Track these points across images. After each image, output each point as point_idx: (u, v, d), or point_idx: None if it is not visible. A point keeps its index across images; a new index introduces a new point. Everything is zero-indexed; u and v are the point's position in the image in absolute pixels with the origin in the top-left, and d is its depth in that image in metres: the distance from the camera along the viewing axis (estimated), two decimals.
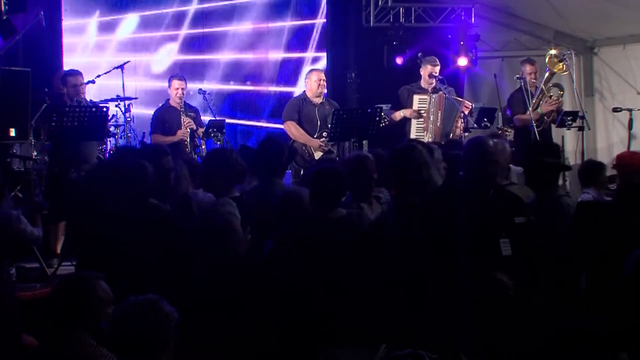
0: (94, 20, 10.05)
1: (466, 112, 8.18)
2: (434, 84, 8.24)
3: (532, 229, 4.26)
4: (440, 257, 4.12)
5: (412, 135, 8.07)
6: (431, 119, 8.13)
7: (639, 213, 4.22)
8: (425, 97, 8.18)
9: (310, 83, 8.07)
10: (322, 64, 10.58)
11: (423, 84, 8.33)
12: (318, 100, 8.05)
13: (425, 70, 8.31)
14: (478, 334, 3.94)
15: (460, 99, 8.32)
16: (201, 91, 8.74)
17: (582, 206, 4.75)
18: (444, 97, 8.16)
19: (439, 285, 4.00)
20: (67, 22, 9.52)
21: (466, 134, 8.13)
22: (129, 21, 10.24)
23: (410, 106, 8.18)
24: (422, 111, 8.15)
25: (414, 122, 8.15)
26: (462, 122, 8.17)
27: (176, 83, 8.12)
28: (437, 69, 8.30)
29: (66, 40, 9.46)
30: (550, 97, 8.44)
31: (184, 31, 10.46)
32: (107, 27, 10.12)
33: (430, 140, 7.91)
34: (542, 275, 4.19)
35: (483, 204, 4.17)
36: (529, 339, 3.92)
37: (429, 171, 4.49)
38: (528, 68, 8.56)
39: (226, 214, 4.33)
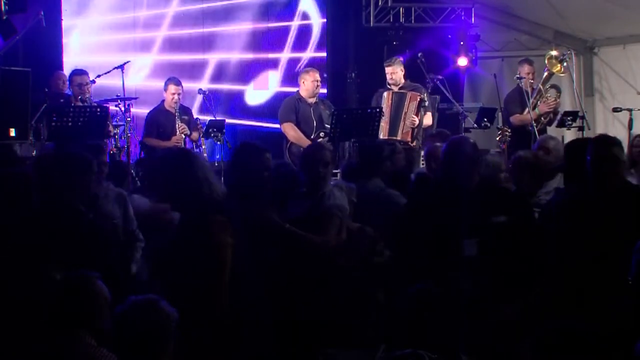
0: None
1: (413, 105, 8.11)
2: (400, 84, 8.23)
3: (514, 229, 4.17)
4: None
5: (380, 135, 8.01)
6: (384, 116, 8.04)
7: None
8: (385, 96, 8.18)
9: (307, 83, 8.01)
10: (322, 64, 10.58)
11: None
12: (313, 100, 8.02)
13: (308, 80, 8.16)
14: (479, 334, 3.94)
15: (411, 92, 8.21)
16: (201, 91, 8.72)
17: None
18: (392, 92, 8.15)
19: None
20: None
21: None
22: None
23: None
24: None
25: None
26: (420, 115, 8.10)
27: (172, 88, 8.08)
28: (390, 69, 8.23)
29: None
30: (547, 98, 8.45)
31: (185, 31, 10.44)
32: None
33: (383, 137, 7.92)
34: (528, 276, 4.15)
35: (450, 203, 4.15)
36: (522, 340, 3.92)
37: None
38: (526, 68, 8.57)
39: None
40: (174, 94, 8.04)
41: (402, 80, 8.32)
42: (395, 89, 8.25)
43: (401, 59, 8.59)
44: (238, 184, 4.21)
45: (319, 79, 8.09)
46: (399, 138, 7.96)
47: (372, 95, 8.49)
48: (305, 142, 7.77)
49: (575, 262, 3.97)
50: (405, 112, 8.12)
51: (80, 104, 7.60)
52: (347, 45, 10.69)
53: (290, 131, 7.87)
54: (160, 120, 8.05)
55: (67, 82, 8.06)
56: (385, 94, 8.16)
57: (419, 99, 8.16)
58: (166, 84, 8.19)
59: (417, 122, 8.13)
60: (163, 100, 8.23)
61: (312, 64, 10.27)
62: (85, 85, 7.75)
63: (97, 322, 3.20)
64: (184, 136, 7.96)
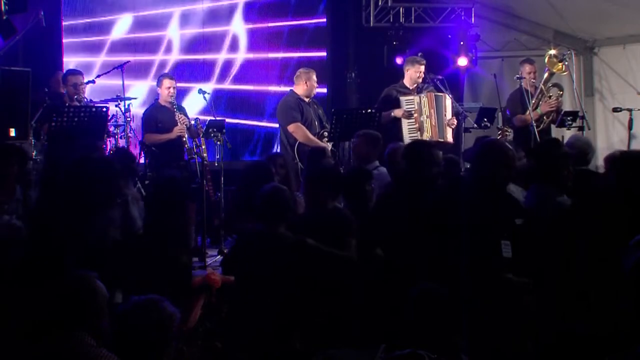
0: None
1: (449, 107, 8.21)
2: (417, 84, 8.27)
3: (531, 230, 4.25)
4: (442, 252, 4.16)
5: (405, 136, 7.99)
6: (424, 117, 8.06)
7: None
8: (411, 97, 8.14)
9: (309, 83, 7.94)
10: (322, 63, 10.58)
11: (407, 83, 8.31)
12: (308, 100, 8.00)
13: (413, 70, 8.27)
14: (479, 334, 3.95)
15: (444, 95, 8.34)
16: (201, 91, 8.69)
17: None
18: (434, 95, 8.18)
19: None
20: None
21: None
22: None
23: (398, 107, 8.12)
24: (412, 111, 8.09)
25: (404, 122, 8.05)
26: (452, 117, 8.25)
27: (167, 82, 8.06)
28: (423, 67, 8.31)
29: None
30: (550, 97, 8.47)
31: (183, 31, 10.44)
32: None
33: (427, 138, 7.92)
34: (542, 277, 4.17)
35: (486, 205, 4.17)
36: (528, 340, 3.92)
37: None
38: (527, 68, 8.59)
39: None
40: (168, 87, 8.01)
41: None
42: (413, 87, 8.26)
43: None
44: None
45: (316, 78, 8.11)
46: (449, 140, 8.15)
47: (372, 95, 8.48)
48: (316, 143, 7.65)
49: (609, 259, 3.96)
50: (445, 114, 8.16)
51: (77, 104, 7.58)
52: (347, 45, 10.69)
53: (300, 131, 7.70)
54: (158, 116, 8.00)
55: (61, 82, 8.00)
56: (424, 96, 8.15)
57: (451, 101, 8.23)
58: (159, 80, 8.17)
59: (456, 123, 8.25)
60: (157, 99, 8.21)
61: (312, 64, 10.27)
62: (80, 85, 7.71)
63: (97, 322, 3.20)
64: (185, 126, 7.93)
